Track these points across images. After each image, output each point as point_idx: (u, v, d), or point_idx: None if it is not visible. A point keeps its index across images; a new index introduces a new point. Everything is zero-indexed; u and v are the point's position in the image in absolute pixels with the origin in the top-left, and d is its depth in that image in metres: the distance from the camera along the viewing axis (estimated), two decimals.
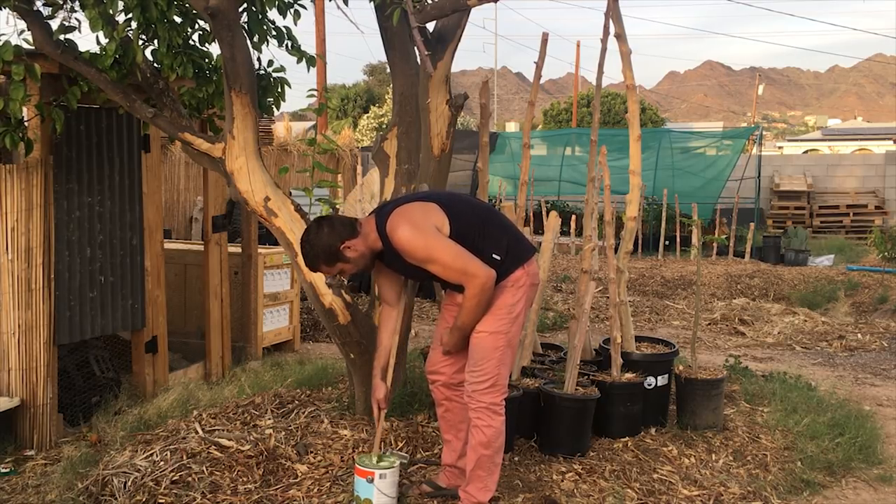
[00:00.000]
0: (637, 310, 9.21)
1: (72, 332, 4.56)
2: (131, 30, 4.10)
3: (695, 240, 11.83)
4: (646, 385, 4.52)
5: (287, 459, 3.74)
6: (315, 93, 5.08)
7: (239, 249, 6.36)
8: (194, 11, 4.14)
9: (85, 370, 4.84)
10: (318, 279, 3.99)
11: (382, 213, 3.25)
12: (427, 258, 3.11)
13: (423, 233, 3.10)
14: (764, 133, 21.70)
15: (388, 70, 4.64)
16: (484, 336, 3.24)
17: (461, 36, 4.09)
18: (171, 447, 3.80)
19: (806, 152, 30.20)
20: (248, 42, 4.11)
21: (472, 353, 3.27)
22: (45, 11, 4.12)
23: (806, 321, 8.63)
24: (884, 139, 31.32)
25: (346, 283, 3.70)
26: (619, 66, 4.77)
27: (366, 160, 12.95)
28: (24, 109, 4.04)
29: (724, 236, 13.79)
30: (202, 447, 3.80)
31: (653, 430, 4.50)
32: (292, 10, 4.38)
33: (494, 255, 3.20)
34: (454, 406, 3.48)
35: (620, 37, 4.66)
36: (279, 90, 4.73)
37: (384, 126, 15.75)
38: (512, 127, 44.09)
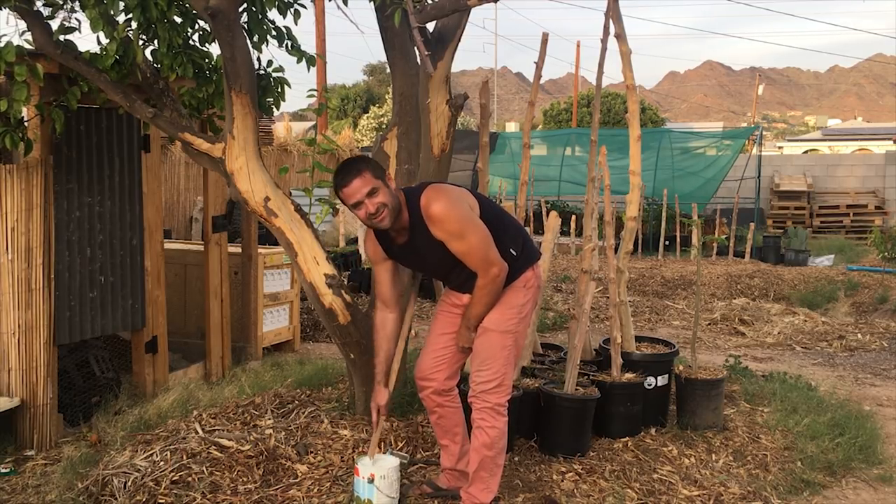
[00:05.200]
0: (637, 310, 9.21)
1: (72, 332, 4.56)
2: (131, 30, 4.10)
3: (695, 240, 11.83)
4: (646, 385, 4.52)
5: (287, 459, 3.74)
6: (315, 93, 5.08)
7: (239, 249, 6.36)
8: (194, 11, 4.13)
9: (85, 370, 4.83)
10: (318, 279, 3.98)
11: (412, 189, 3.27)
12: (459, 231, 3.10)
13: (460, 207, 3.14)
14: (764, 133, 21.69)
15: (388, 70, 4.64)
16: (493, 335, 3.25)
17: (461, 36, 4.09)
18: (171, 447, 3.80)
19: (806, 152, 30.20)
20: (248, 42, 4.11)
21: (479, 352, 3.28)
22: (46, 12, 4.11)
23: (806, 321, 8.62)
24: (884, 139, 31.30)
25: (346, 282, 3.68)
26: (619, 66, 4.78)
27: None
28: (25, 109, 4.04)
29: (724, 236, 13.79)
30: (202, 447, 3.80)
31: (653, 430, 4.50)
32: (292, 10, 4.38)
33: (511, 250, 3.25)
34: (447, 412, 3.47)
35: (620, 37, 4.67)
36: (279, 90, 4.73)
37: (384, 126, 15.73)
38: (512, 127, 44.07)
